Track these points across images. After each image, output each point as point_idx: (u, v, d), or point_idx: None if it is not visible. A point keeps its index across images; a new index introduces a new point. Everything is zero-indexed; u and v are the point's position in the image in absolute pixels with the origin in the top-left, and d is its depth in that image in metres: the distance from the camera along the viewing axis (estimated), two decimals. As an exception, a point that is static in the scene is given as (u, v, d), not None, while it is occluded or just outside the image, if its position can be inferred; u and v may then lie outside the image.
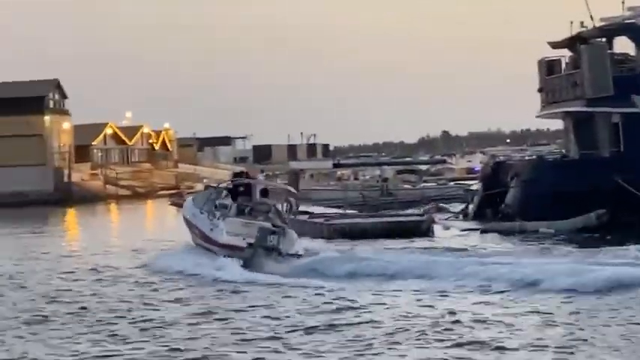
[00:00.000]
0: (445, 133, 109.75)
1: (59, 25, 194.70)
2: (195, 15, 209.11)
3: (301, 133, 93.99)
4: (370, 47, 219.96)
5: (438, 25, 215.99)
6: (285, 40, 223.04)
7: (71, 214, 49.12)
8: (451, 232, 27.43)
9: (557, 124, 36.77)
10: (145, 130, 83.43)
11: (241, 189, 20.42)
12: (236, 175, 25.56)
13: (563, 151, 34.81)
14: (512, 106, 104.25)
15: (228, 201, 19.16)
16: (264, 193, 20.18)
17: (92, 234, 32.97)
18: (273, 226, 17.92)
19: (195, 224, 19.39)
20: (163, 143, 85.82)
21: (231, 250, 17.32)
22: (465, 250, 21.29)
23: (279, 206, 19.16)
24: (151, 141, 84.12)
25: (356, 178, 42.23)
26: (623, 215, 26.27)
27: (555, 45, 30.76)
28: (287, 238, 17.73)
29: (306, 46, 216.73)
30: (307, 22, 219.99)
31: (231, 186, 20.66)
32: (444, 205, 33.31)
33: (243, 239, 17.41)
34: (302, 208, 25.95)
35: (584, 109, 29.53)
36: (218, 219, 18.07)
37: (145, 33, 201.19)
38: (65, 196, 57.61)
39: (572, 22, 29.61)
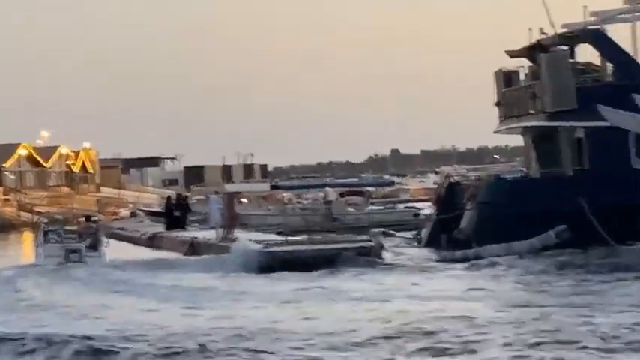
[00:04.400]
0: (395, 152, 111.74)
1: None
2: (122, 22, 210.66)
3: (237, 153, 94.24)
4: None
5: (392, 35, 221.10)
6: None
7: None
8: (399, 261, 27.49)
9: (516, 141, 37.89)
10: (63, 150, 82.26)
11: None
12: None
13: (524, 169, 35.73)
14: (468, 122, 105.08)
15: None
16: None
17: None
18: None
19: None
20: (83, 165, 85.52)
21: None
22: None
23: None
24: (69, 162, 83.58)
25: (298, 202, 42.03)
26: (586, 236, 26.60)
27: (513, 54, 31.39)
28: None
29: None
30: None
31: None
32: (392, 232, 33.44)
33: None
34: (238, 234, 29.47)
35: (545, 123, 30.24)
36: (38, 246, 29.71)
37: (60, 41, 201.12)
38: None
39: (530, 30, 30.19)
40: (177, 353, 14.51)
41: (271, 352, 13.99)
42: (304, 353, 14.42)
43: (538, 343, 14.08)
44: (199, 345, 14.60)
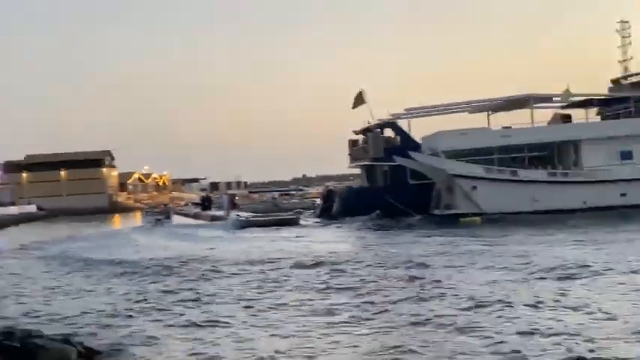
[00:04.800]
0: (304, 176, 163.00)
1: None
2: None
3: (235, 175, 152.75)
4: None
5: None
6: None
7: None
8: (307, 223, 52.81)
9: (357, 171, 63.74)
10: (154, 175, 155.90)
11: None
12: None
13: (360, 184, 60.68)
14: (340, 162, 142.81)
15: None
16: None
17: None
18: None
19: None
20: (164, 182, 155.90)
21: None
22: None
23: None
24: (157, 180, 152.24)
25: (261, 198, 74.33)
26: (389, 215, 47.53)
27: (356, 132, 57.29)
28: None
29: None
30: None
31: None
32: (303, 211, 63.44)
33: None
34: (234, 213, 56.75)
35: (370, 163, 54.39)
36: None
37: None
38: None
39: (364, 121, 55.47)
40: (195, 259, 27.06)
41: (232, 264, 26.16)
42: (248, 261, 25.64)
43: (376, 263, 23.62)
44: (210, 264, 25.34)
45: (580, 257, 22.72)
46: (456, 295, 16.70)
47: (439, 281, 19.01)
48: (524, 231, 35.03)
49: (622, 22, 56.46)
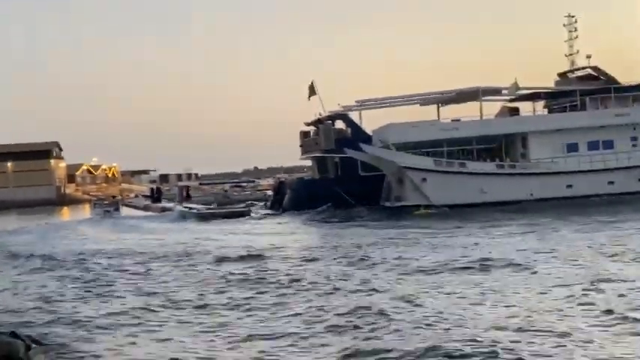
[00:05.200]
0: (255, 167, 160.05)
1: None
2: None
3: (185, 167, 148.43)
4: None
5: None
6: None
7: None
8: (258, 215, 53.28)
9: (309, 162, 64.00)
10: (104, 166, 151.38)
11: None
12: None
13: (311, 175, 60.64)
14: (293, 153, 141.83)
15: None
16: None
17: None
18: None
19: None
20: (113, 173, 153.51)
21: None
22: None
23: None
24: (106, 171, 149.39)
25: (212, 190, 73.95)
26: (340, 207, 48.41)
27: (308, 124, 57.41)
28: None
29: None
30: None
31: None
32: (254, 203, 63.86)
33: None
34: (189, 204, 56.65)
35: (322, 154, 54.61)
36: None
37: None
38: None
39: (315, 114, 55.60)
40: (144, 253, 27.21)
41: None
42: (176, 254, 26.47)
43: (319, 246, 27.54)
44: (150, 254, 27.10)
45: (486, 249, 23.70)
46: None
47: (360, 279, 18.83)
48: (473, 223, 35.67)
49: (569, 16, 57.48)
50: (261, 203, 63.21)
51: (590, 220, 32.98)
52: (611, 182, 49.66)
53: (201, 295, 17.31)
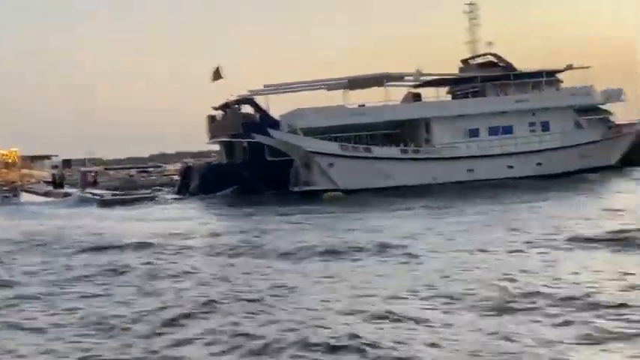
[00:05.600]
0: (162, 152, 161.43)
1: None
2: None
3: (87, 151, 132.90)
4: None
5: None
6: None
7: None
8: (164, 200, 52.89)
9: (217, 147, 63.39)
10: (3, 151, 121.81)
11: None
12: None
13: (219, 160, 60.16)
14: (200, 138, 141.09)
15: None
16: None
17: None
18: None
19: None
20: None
21: None
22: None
23: None
24: (5, 156, 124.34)
25: (117, 175, 72.60)
26: (247, 192, 48.57)
27: (215, 108, 56.94)
28: None
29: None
30: None
31: None
32: (161, 188, 63.39)
33: None
34: (92, 190, 55.88)
35: (229, 139, 54.20)
36: None
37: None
38: None
39: (225, 97, 54.72)
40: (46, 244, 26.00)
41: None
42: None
43: (233, 231, 29.66)
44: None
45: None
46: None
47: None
48: (378, 207, 36.27)
49: (470, 4, 59.05)
50: (168, 188, 62.80)
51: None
52: (511, 166, 51.32)
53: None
